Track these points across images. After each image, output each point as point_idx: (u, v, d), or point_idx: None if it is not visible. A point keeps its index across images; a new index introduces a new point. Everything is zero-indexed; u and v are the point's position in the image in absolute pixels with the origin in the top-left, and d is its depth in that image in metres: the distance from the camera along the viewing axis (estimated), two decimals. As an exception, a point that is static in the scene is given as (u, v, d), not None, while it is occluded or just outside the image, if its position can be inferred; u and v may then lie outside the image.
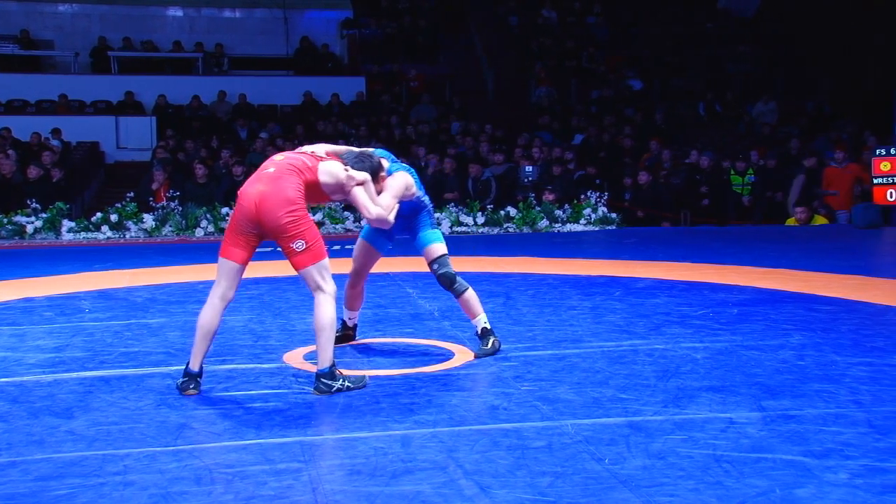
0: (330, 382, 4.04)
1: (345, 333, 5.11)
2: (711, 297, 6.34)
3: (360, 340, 5.14)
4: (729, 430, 3.44)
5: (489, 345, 4.73)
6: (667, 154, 13.66)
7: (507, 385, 4.14)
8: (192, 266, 8.33)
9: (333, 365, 4.07)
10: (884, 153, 10.82)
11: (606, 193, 12.02)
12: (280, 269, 7.96)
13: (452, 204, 11.66)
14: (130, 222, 11.14)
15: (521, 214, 11.52)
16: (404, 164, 4.87)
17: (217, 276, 4.20)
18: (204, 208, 11.36)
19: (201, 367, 4.10)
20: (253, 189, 4.12)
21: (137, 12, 18.43)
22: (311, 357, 4.71)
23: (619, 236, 10.85)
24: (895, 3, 12.05)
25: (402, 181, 4.61)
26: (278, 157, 4.32)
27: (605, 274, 7.45)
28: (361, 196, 4.33)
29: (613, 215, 11.80)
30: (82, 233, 11.07)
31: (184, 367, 4.15)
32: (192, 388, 4.06)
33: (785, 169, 12.86)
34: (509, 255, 8.85)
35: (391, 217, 4.46)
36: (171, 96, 16.10)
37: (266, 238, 4.22)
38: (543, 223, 11.51)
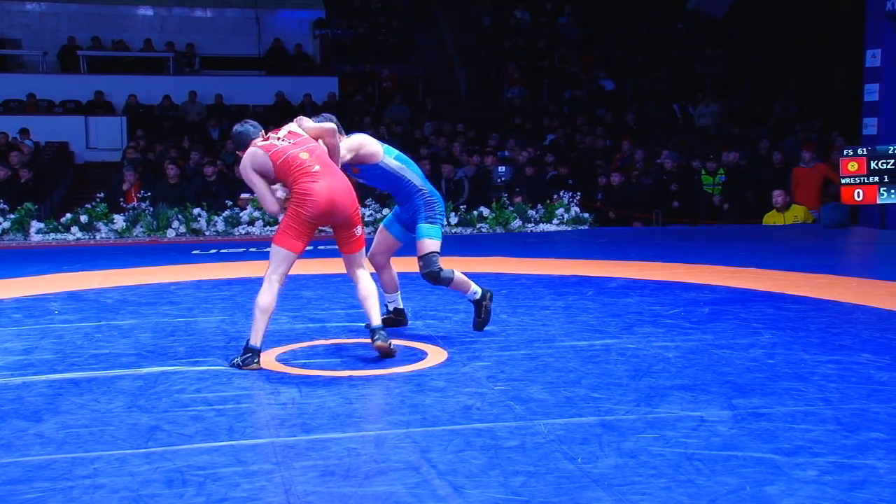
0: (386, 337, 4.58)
1: (387, 317, 5.21)
2: (683, 296, 6.39)
3: (333, 340, 5.13)
4: (700, 428, 3.47)
5: (481, 314, 5.11)
6: (639, 154, 13.76)
7: (480, 385, 4.15)
8: (163, 267, 8.27)
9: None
10: (851, 153, 10.94)
11: (579, 193, 12.06)
12: (253, 270, 7.92)
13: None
14: (101, 223, 11.03)
15: (493, 215, 11.55)
16: (400, 153, 5.05)
17: (276, 264, 4.50)
18: (175, 209, 11.28)
19: (262, 344, 4.50)
20: (323, 185, 4.45)
21: (107, 11, 18.25)
22: (283, 358, 4.70)
23: (592, 236, 10.90)
24: (858, 5, 12.23)
25: (356, 138, 4.90)
26: (303, 154, 4.52)
27: (578, 274, 7.48)
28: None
29: (586, 215, 11.85)
30: (51, 234, 10.95)
31: (244, 344, 4.53)
32: (256, 363, 4.44)
33: (755, 169, 12.98)
34: (482, 255, 8.86)
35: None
36: (141, 96, 15.97)
37: (326, 226, 4.77)
38: (516, 223, 11.54)
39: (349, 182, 4.61)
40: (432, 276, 4.91)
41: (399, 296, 5.36)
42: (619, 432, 3.43)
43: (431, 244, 4.93)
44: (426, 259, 4.91)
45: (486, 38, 19.07)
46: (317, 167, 4.49)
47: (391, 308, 5.35)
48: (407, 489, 2.90)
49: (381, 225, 5.31)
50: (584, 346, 4.84)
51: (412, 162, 5.11)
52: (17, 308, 6.27)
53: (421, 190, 4.99)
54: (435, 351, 4.82)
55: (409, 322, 5.48)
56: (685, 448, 3.24)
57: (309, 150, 4.56)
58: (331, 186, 4.46)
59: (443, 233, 5.05)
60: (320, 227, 4.65)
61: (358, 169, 5.01)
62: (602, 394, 3.95)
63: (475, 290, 5.11)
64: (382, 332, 4.56)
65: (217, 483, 2.97)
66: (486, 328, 5.31)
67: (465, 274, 5.20)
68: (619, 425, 3.51)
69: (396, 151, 5.06)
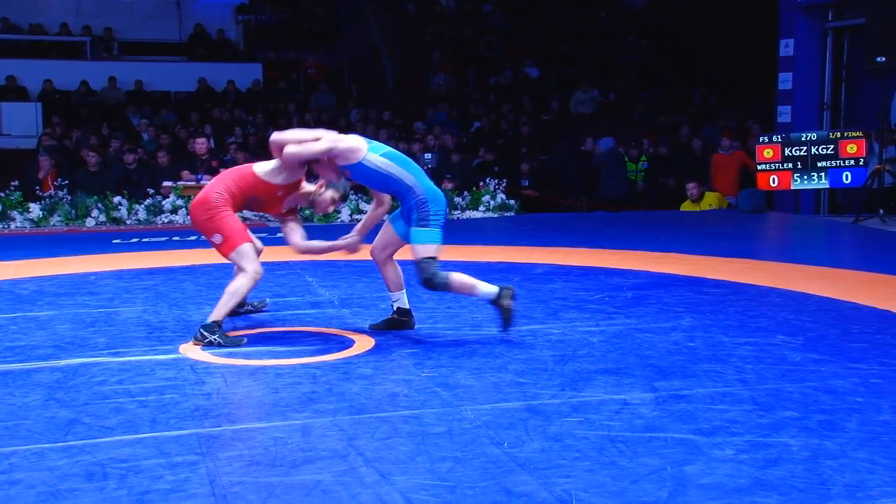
0: (206, 333, 4.63)
1: (390, 318, 5.02)
2: (607, 281, 6.49)
3: (259, 329, 5.07)
4: (623, 411, 3.54)
5: (502, 315, 4.73)
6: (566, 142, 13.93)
7: (407, 372, 4.16)
8: (82, 257, 8.06)
9: (219, 324, 4.68)
10: (767, 141, 11.24)
11: (505, 180, 12.14)
12: (176, 259, 7.79)
13: (352, 192, 11.60)
14: (15, 212, 10.69)
15: (420, 202, 11.53)
16: (393, 150, 4.81)
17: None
18: (95, 197, 10.99)
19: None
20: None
21: (20, -7, 17.64)
22: (208, 348, 4.63)
23: (518, 223, 10.99)
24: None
25: (325, 134, 4.75)
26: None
27: (504, 260, 7.54)
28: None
29: (512, 202, 11.93)
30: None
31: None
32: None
33: (676, 156, 13.25)
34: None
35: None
36: (57, 82, 15.49)
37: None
38: (443, 210, 11.55)
39: (202, 196, 4.86)
40: (429, 284, 4.65)
41: (404, 294, 5.02)
42: (544, 416, 3.47)
43: (423, 250, 4.63)
44: (419, 266, 4.64)
45: (411, 26, 19.02)
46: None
47: (395, 307, 5.02)
48: (334, 477, 2.90)
49: (386, 218, 5.04)
50: (511, 332, 4.88)
51: (406, 159, 4.76)
52: (-72, 301, 6.05)
53: (412, 189, 4.64)
54: (362, 338, 4.81)
55: (334, 310, 5.45)
56: (609, 431, 3.31)
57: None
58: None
59: (440, 234, 4.67)
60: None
61: (348, 171, 4.75)
62: (528, 379, 4.00)
63: (487, 291, 4.71)
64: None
65: (139, 475, 2.92)
66: (414, 314, 5.31)
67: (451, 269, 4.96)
68: (544, 409, 3.56)
69: (386, 149, 4.77)
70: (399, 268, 5.02)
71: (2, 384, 4.00)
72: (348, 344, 4.72)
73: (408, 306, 5.04)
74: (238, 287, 4.77)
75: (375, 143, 4.83)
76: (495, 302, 4.72)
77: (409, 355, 4.45)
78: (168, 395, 3.83)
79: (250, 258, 4.82)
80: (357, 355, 4.49)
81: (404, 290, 5.04)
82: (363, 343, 4.72)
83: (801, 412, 3.51)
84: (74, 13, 17.92)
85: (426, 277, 4.64)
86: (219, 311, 4.72)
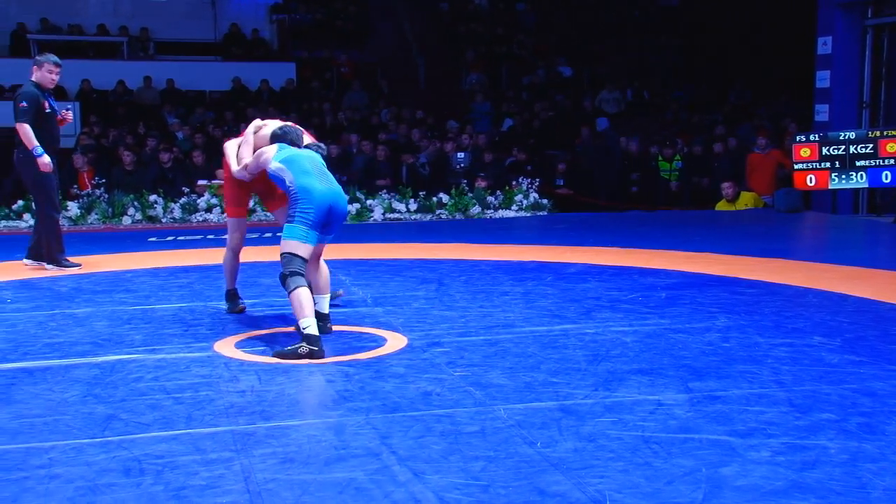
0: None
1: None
2: (640, 281, 6.45)
3: (293, 328, 5.08)
4: (657, 411, 3.52)
5: (289, 347, 4.46)
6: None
7: (440, 371, 4.16)
8: (119, 255, 8.16)
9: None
10: (804, 140, 11.10)
11: (538, 180, 12.11)
12: (210, 257, 7.85)
13: (385, 191, 11.63)
14: (54, 210, 10.83)
15: (453, 201, 11.55)
16: (296, 154, 4.78)
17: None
18: (131, 196, 11.12)
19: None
20: None
21: (58, -6, 17.89)
22: (242, 345, 4.67)
23: (550, 222, 10.96)
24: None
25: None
26: None
27: (537, 259, 7.52)
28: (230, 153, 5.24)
29: (545, 201, 11.90)
30: (2, 221, 10.74)
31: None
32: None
33: (710, 155, 13.14)
34: (442, 241, 8.87)
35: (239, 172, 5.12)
36: (95, 81, 15.67)
37: None
38: (475, 209, 11.55)
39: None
40: (281, 279, 4.61)
41: (325, 299, 4.97)
42: (577, 416, 3.46)
43: (283, 244, 4.58)
44: (282, 260, 4.59)
45: (443, 24, 19.02)
46: None
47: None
48: (367, 475, 2.91)
49: None
50: (543, 332, 4.87)
51: (301, 160, 4.72)
52: (-32, 297, 6.15)
53: (289, 188, 4.66)
54: (395, 337, 4.82)
55: (367, 309, 5.46)
56: (642, 431, 3.29)
57: None
58: None
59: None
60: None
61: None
62: (561, 379, 3.99)
63: (306, 324, 4.45)
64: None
65: (175, 471, 2.95)
66: (446, 314, 5.32)
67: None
68: (577, 409, 3.55)
69: (289, 152, 4.78)
70: (325, 271, 4.98)
71: (41, 380, 4.06)
72: (381, 342, 4.73)
73: (326, 311, 4.92)
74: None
75: (286, 149, 4.83)
76: (300, 333, 4.48)
77: (442, 354, 4.46)
78: (203, 391, 3.86)
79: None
80: (390, 354, 4.50)
81: (326, 296, 4.96)
82: (396, 342, 4.73)
83: (840, 414, 3.46)
84: (112, 14, 18.13)
85: (280, 273, 4.60)
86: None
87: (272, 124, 5.20)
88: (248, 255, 7.85)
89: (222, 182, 11.45)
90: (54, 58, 7.44)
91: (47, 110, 7.22)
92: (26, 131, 7.02)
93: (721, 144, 13.15)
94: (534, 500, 2.71)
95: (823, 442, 3.17)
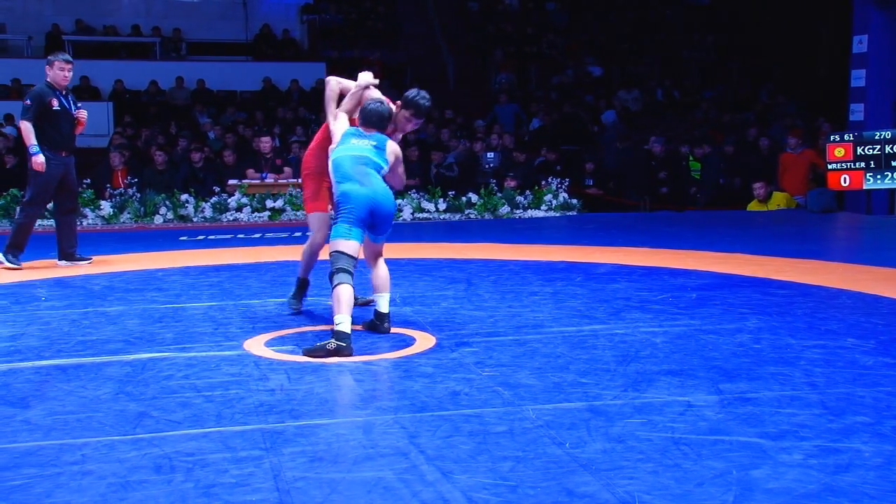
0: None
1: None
2: (670, 281, 6.41)
3: (322, 326, 5.12)
4: (687, 413, 3.49)
5: (318, 344, 4.47)
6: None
7: (468, 371, 4.15)
8: (150, 253, 8.24)
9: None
10: (837, 139, 10.98)
11: (567, 179, 12.08)
12: (241, 256, 7.91)
13: (414, 190, 11.65)
14: (87, 209, 10.98)
15: (482, 201, 11.55)
16: (347, 148, 4.87)
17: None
18: (163, 195, 11.23)
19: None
20: None
21: (92, -4, 18.12)
22: (271, 344, 4.69)
23: (580, 222, 10.92)
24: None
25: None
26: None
27: (566, 259, 7.49)
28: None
29: (574, 201, 11.86)
30: (37, 220, 10.86)
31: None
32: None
33: (742, 155, 13.02)
34: (471, 241, 8.86)
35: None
36: (128, 82, 15.87)
37: None
38: (505, 209, 11.55)
39: None
40: (329, 278, 4.68)
41: (384, 297, 4.95)
42: (606, 417, 3.44)
43: (330, 244, 4.69)
44: (331, 258, 4.67)
45: (473, 24, 19.01)
46: None
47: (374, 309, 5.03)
48: (395, 475, 2.91)
49: None
50: (573, 332, 4.85)
51: (347, 162, 4.76)
52: (4, 294, 6.24)
53: (334, 189, 4.80)
54: (423, 337, 4.83)
55: (396, 308, 5.47)
56: (672, 433, 3.26)
57: None
58: None
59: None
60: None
61: None
62: (590, 379, 3.97)
63: (339, 320, 4.47)
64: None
65: (205, 469, 2.97)
66: (475, 314, 5.32)
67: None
68: (606, 410, 3.53)
69: (342, 150, 4.79)
70: (383, 270, 4.98)
71: (74, 377, 4.11)
72: (409, 342, 4.73)
73: (385, 310, 4.91)
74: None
75: (345, 142, 4.90)
76: (335, 331, 4.46)
77: (471, 354, 4.45)
78: (233, 390, 3.89)
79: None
80: (418, 353, 4.50)
81: (385, 294, 4.94)
82: (424, 341, 4.73)
83: (874, 417, 3.41)
84: (145, 14, 18.34)
85: (330, 270, 4.66)
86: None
87: (376, 93, 5.24)
88: (278, 254, 7.91)
89: (254, 182, 11.61)
90: (64, 55, 7.59)
91: (55, 108, 7.29)
92: (25, 128, 7.17)
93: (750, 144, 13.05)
94: (562, 501, 2.70)
95: (857, 445, 3.13)
